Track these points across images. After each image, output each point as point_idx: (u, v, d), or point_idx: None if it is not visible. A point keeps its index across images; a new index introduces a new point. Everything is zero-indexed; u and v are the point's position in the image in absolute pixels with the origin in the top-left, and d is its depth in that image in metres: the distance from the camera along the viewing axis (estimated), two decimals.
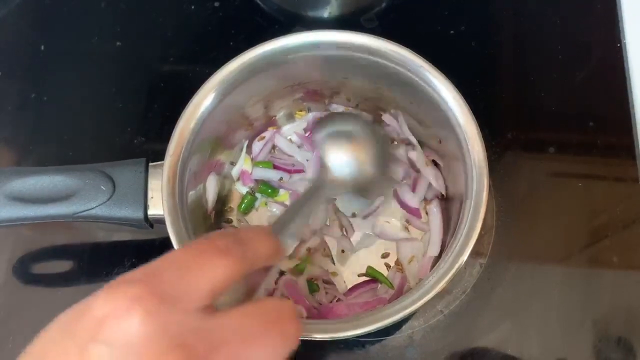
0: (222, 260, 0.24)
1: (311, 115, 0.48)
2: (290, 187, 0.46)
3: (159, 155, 0.39)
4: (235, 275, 0.24)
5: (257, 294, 0.28)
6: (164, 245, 0.37)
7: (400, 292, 0.42)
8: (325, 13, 0.55)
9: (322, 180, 0.37)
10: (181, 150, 0.38)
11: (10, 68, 0.55)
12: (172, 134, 0.39)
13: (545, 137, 0.50)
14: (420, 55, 0.39)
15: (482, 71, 0.52)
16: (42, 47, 0.55)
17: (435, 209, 0.44)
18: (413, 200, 0.45)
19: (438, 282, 0.35)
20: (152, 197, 0.38)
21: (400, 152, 0.46)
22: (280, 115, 0.47)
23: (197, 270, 0.23)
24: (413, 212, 0.45)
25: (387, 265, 0.44)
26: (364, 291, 0.43)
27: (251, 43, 0.41)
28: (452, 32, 0.53)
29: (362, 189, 0.39)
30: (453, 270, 0.35)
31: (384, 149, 0.40)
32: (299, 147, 0.48)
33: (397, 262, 0.44)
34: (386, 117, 0.46)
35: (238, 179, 0.47)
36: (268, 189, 0.46)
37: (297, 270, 0.43)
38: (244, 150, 0.47)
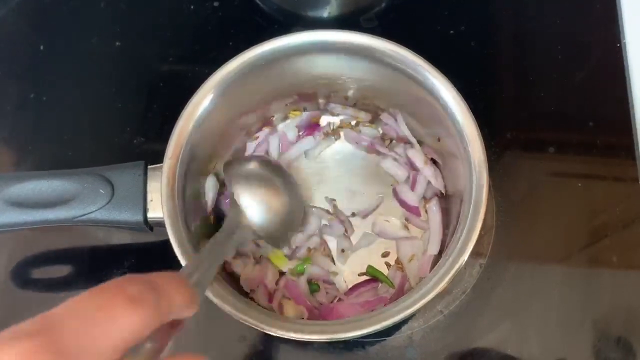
0: (133, 311, 0.21)
1: (305, 115, 0.48)
2: None
3: (159, 156, 0.39)
4: (147, 328, 0.21)
5: (163, 352, 0.25)
6: (163, 247, 0.37)
7: (401, 291, 0.43)
8: (325, 13, 0.55)
9: (237, 224, 0.37)
10: (180, 152, 0.38)
11: (10, 68, 0.55)
12: (171, 135, 0.39)
13: (545, 137, 0.49)
14: (420, 55, 0.39)
15: (481, 71, 0.52)
16: (42, 47, 0.55)
17: (434, 207, 0.44)
18: (412, 199, 0.45)
19: (439, 282, 0.35)
20: (151, 200, 0.38)
21: (399, 150, 0.46)
22: (277, 115, 0.47)
23: (104, 321, 0.20)
24: (412, 210, 0.45)
25: (388, 264, 0.44)
26: (365, 290, 0.43)
27: (251, 43, 0.41)
28: (452, 32, 0.53)
29: (274, 238, 0.40)
30: (453, 270, 0.35)
31: (296, 198, 0.41)
32: (292, 144, 0.48)
33: (397, 261, 0.44)
34: (384, 116, 0.46)
35: None
36: None
37: (297, 271, 0.43)
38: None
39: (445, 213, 0.44)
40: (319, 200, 0.46)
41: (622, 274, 0.45)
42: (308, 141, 0.48)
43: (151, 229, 0.39)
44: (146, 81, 0.53)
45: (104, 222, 0.38)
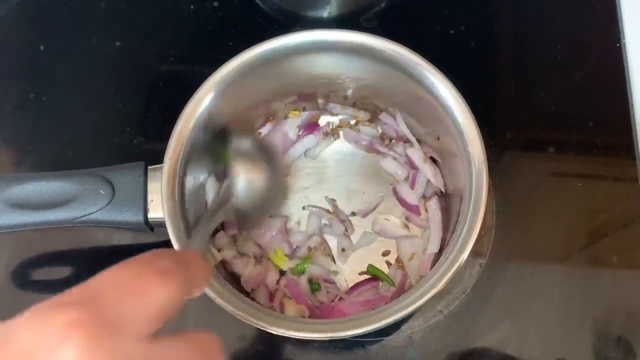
0: (166, 283, 0.22)
1: (305, 114, 0.48)
2: None
3: (159, 155, 0.39)
4: (179, 300, 0.22)
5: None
6: (164, 247, 0.37)
7: (401, 289, 0.43)
8: (325, 13, 0.55)
9: (229, 196, 0.38)
10: (180, 152, 0.39)
11: (10, 68, 0.55)
12: (171, 135, 0.39)
13: (545, 136, 0.50)
14: (420, 54, 0.40)
15: (481, 71, 0.52)
16: (42, 47, 0.55)
17: (434, 206, 0.44)
18: (412, 197, 0.45)
19: (439, 281, 0.35)
20: (151, 201, 0.38)
21: (399, 150, 0.46)
22: (276, 114, 0.47)
23: (141, 293, 0.21)
24: (412, 209, 0.45)
25: (388, 263, 0.44)
26: (366, 289, 0.44)
27: (250, 43, 0.41)
28: (451, 32, 0.53)
29: (255, 210, 0.41)
30: (454, 269, 0.35)
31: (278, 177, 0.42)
32: (293, 143, 0.48)
33: (398, 260, 0.44)
34: (383, 116, 0.46)
35: None
36: None
37: (298, 270, 0.43)
38: None
39: (445, 212, 0.44)
40: (319, 200, 0.46)
41: (622, 274, 0.45)
42: (309, 140, 0.47)
43: (152, 229, 0.39)
44: (146, 81, 0.53)
45: (105, 222, 0.38)
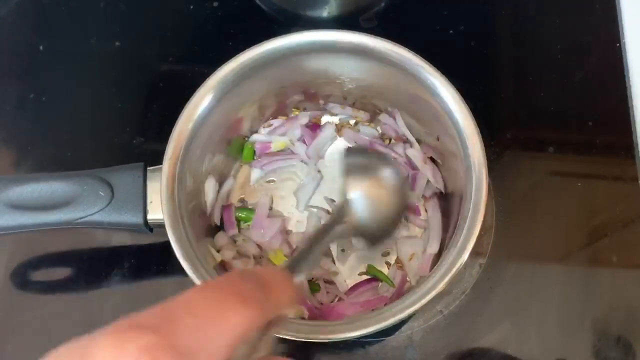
0: (245, 310, 0.21)
1: (309, 114, 0.47)
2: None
3: (158, 155, 0.39)
4: (257, 325, 0.22)
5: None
6: (163, 248, 0.37)
7: (401, 290, 0.43)
8: (324, 13, 0.55)
9: (342, 218, 0.35)
10: (179, 153, 0.38)
11: (9, 68, 0.55)
12: (170, 136, 0.39)
13: (545, 136, 0.49)
14: (420, 55, 0.40)
15: (481, 71, 0.52)
16: (41, 47, 0.55)
17: (434, 206, 0.44)
18: (412, 198, 0.45)
19: (439, 281, 0.35)
20: (151, 202, 0.38)
21: (399, 150, 0.46)
22: (274, 113, 0.47)
23: (218, 320, 0.20)
24: (412, 209, 0.45)
25: (388, 264, 0.44)
26: (365, 290, 0.43)
27: (250, 43, 0.41)
28: (451, 31, 0.53)
29: (373, 239, 0.38)
30: (454, 269, 0.35)
31: (405, 205, 0.39)
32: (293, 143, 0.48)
33: (398, 260, 0.44)
34: (383, 116, 0.46)
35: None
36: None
37: None
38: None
39: (445, 212, 0.44)
40: (318, 200, 0.46)
41: (621, 274, 0.45)
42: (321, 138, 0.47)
43: (151, 230, 0.39)
44: (146, 81, 0.53)
45: (104, 224, 0.38)
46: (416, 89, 0.40)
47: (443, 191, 0.44)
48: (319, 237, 0.34)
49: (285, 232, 0.45)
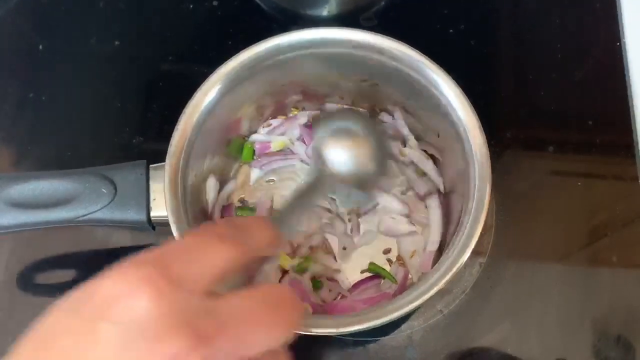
0: (224, 247, 0.25)
1: (307, 113, 0.48)
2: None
3: (158, 155, 0.39)
4: (236, 260, 0.25)
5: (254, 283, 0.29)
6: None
7: (403, 286, 0.43)
8: (324, 12, 0.55)
9: (321, 174, 0.38)
10: (182, 150, 0.38)
11: (9, 68, 0.55)
12: (173, 133, 0.39)
13: (545, 136, 0.49)
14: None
15: (481, 70, 0.52)
16: (41, 47, 0.55)
17: (434, 203, 0.44)
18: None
19: (441, 278, 0.35)
20: (154, 199, 0.38)
21: (398, 147, 0.46)
22: (273, 113, 0.47)
23: (201, 255, 0.24)
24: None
25: (389, 261, 0.44)
26: (368, 287, 0.43)
27: (250, 42, 0.41)
28: (451, 30, 0.53)
29: (361, 183, 0.39)
30: (456, 267, 0.35)
31: (382, 144, 0.40)
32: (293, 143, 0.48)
33: (399, 257, 0.44)
34: (382, 115, 0.46)
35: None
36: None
37: (301, 269, 0.43)
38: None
39: (445, 208, 0.44)
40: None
41: (621, 273, 0.45)
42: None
43: (154, 228, 0.39)
44: (145, 81, 0.53)
45: (107, 221, 0.38)
46: (417, 86, 0.40)
47: (443, 189, 0.44)
48: (302, 194, 0.36)
49: None
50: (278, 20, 0.54)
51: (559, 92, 0.51)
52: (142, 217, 0.38)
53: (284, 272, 0.44)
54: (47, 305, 0.22)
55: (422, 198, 0.45)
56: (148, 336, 0.21)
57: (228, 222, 0.28)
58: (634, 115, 0.49)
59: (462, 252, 0.35)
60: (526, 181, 0.48)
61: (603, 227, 0.46)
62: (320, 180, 0.38)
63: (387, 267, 0.44)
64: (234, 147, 0.46)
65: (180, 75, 0.52)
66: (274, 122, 0.47)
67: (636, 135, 0.48)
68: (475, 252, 0.44)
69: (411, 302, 0.34)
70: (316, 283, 0.43)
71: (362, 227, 0.45)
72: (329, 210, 0.46)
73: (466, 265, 0.44)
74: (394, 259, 0.44)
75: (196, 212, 0.40)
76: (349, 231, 0.45)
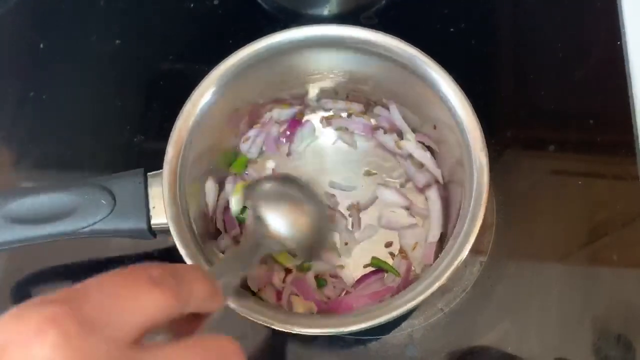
0: (155, 293, 0.21)
1: (290, 111, 0.48)
2: None
3: (159, 154, 0.39)
4: (168, 312, 0.21)
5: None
6: (165, 255, 0.36)
7: (407, 279, 0.43)
8: (325, 11, 0.55)
9: (260, 236, 0.37)
10: (179, 155, 0.39)
11: (9, 67, 0.55)
12: (169, 139, 0.39)
13: (545, 135, 0.49)
14: None
15: (481, 69, 0.52)
16: (41, 46, 0.55)
17: (433, 195, 0.44)
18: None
19: (446, 270, 0.35)
20: (153, 207, 0.38)
21: (394, 139, 0.46)
22: (271, 112, 0.47)
23: (127, 298, 0.20)
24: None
25: (392, 254, 0.45)
26: (372, 281, 0.44)
27: (250, 41, 0.41)
28: (452, 29, 0.53)
29: (299, 247, 0.39)
30: (458, 260, 0.35)
31: (323, 214, 0.41)
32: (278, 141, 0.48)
33: (401, 250, 0.44)
34: (377, 109, 0.47)
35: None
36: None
37: (304, 268, 0.43)
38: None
39: (445, 199, 0.44)
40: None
41: (622, 272, 0.45)
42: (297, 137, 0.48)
43: (154, 235, 0.39)
44: (146, 80, 0.53)
45: (108, 232, 0.38)
46: (414, 80, 0.40)
47: (441, 180, 0.44)
48: (242, 254, 0.35)
49: None
50: (279, 20, 0.54)
51: (559, 92, 0.51)
52: (143, 225, 0.38)
53: (287, 271, 0.44)
54: None
55: (421, 190, 0.45)
56: None
57: (165, 267, 0.23)
58: (634, 115, 0.49)
59: (466, 240, 0.35)
60: (527, 180, 0.48)
61: (603, 226, 0.46)
62: (259, 240, 0.37)
63: (390, 261, 0.44)
64: (224, 160, 0.46)
65: (180, 75, 0.52)
66: (251, 134, 0.47)
67: (637, 134, 0.48)
68: (476, 251, 0.44)
69: (413, 299, 0.34)
70: (320, 281, 0.43)
71: (362, 222, 0.45)
72: (329, 207, 0.46)
73: (467, 264, 0.44)
74: (396, 252, 0.45)
75: (197, 217, 0.40)
76: (349, 227, 0.45)
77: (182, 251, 0.36)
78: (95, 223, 0.37)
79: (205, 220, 0.42)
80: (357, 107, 0.48)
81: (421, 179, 0.45)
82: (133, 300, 0.20)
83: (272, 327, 0.35)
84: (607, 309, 0.44)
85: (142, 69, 0.54)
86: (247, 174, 0.47)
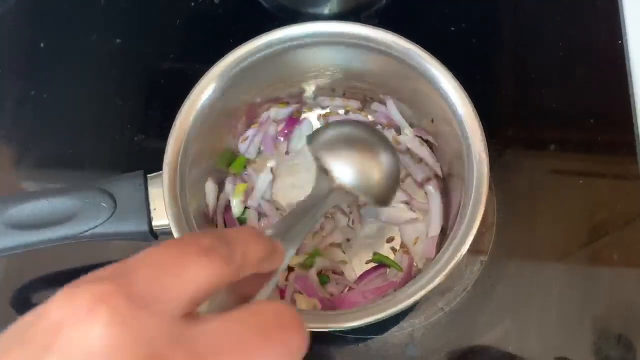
0: (206, 262, 0.20)
1: (287, 110, 0.48)
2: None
3: (160, 153, 0.39)
4: (221, 280, 0.21)
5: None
6: None
7: (409, 274, 0.43)
8: (325, 10, 0.55)
9: (325, 189, 0.35)
10: (179, 156, 0.38)
11: (10, 65, 0.55)
12: (168, 139, 0.39)
13: (546, 134, 0.49)
14: None
15: (482, 68, 0.52)
16: (42, 45, 0.55)
17: (433, 189, 0.45)
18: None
19: (448, 262, 0.35)
20: (154, 209, 0.38)
21: (392, 135, 0.46)
22: (269, 111, 0.47)
23: (176, 270, 0.20)
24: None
25: (393, 249, 0.45)
26: (374, 277, 0.44)
27: None
28: (452, 28, 0.53)
29: (370, 195, 0.36)
30: (458, 255, 0.35)
31: (393, 155, 0.38)
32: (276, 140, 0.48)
33: (403, 245, 0.44)
34: (374, 105, 0.47)
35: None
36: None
37: (306, 265, 0.44)
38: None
39: (445, 192, 0.44)
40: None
41: (622, 272, 0.45)
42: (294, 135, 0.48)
43: (156, 237, 0.39)
44: (146, 78, 0.53)
45: (109, 235, 0.38)
46: (411, 75, 0.40)
47: (440, 174, 0.44)
48: (307, 208, 0.33)
49: None
50: (279, 19, 0.54)
51: (560, 91, 0.51)
52: (144, 227, 0.38)
53: (290, 269, 0.44)
54: None
55: (421, 184, 0.45)
56: None
57: (214, 233, 0.22)
58: (635, 114, 0.49)
59: (466, 235, 0.35)
60: (527, 180, 0.48)
61: (604, 226, 0.46)
62: (325, 193, 0.34)
63: (392, 256, 0.44)
64: (223, 160, 0.46)
65: (181, 74, 0.52)
66: (249, 133, 0.47)
67: (637, 134, 0.48)
68: (477, 251, 0.44)
69: (417, 292, 0.34)
70: (322, 278, 0.43)
71: (363, 218, 0.45)
72: None
73: (467, 263, 0.44)
74: (397, 247, 0.45)
75: (197, 218, 0.40)
76: (350, 223, 0.45)
77: None
78: (96, 226, 0.37)
79: (205, 221, 0.42)
80: (354, 103, 0.48)
81: (420, 173, 0.45)
82: (181, 273, 0.20)
83: None
84: (608, 308, 0.44)
85: (142, 68, 0.54)
86: (246, 174, 0.47)
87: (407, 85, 0.42)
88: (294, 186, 0.47)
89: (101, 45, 0.55)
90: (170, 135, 0.39)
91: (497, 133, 0.48)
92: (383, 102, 0.46)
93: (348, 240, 0.45)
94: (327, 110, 0.48)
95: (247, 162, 0.47)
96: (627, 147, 0.48)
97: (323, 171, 0.35)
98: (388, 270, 0.44)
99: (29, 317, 0.19)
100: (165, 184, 0.38)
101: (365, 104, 0.47)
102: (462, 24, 0.53)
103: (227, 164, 0.46)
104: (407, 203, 0.45)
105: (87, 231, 0.37)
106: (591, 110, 0.50)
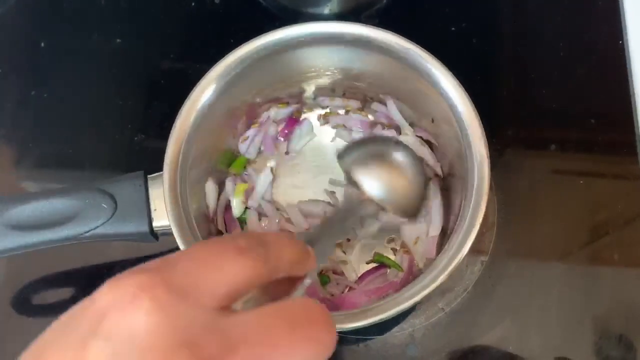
0: (242, 260, 0.22)
1: (287, 110, 0.48)
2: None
3: (160, 153, 0.39)
4: (255, 278, 0.22)
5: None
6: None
7: (409, 274, 0.43)
8: (326, 10, 0.54)
9: (355, 201, 0.36)
10: (179, 156, 0.38)
11: (10, 65, 0.55)
12: (169, 140, 0.39)
13: (547, 134, 0.49)
14: None
15: (483, 68, 0.52)
16: (42, 44, 0.55)
17: (433, 189, 0.44)
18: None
19: (451, 262, 0.35)
20: (155, 209, 0.38)
21: (392, 135, 0.46)
22: (269, 111, 0.47)
23: (214, 266, 0.21)
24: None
25: (394, 250, 0.45)
26: (375, 277, 0.44)
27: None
28: (453, 28, 0.53)
29: (397, 207, 0.37)
30: (459, 256, 0.35)
31: (416, 168, 0.38)
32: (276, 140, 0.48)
33: (403, 245, 0.44)
34: (374, 105, 0.47)
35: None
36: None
37: None
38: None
39: (445, 192, 0.44)
40: (319, 193, 0.46)
41: (623, 272, 0.45)
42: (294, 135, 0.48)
43: (157, 238, 0.39)
44: (147, 78, 0.53)
45: (110, 236, 0.38)
46: (411, 75, 0.40)
47: (441, 174, 0.44)
48: (336, 220, 0.34)
49: (287, 229, 0.45)
50: (280, 19, 0.54)
51: (560, 91, 0.51)
52: (145, 228, 0.38)
53: None
54: (44, 327, 0.21)
55: None
56: (142, 356, 0.18)
57: (252, 235, 0.24)
58: (636, 114, 0.49)
59: (468, 235, 0.35)
60: (528, 180, 0.48)
61: (605, 226, 0.46)
62: (354, 205, 0.35)
63: (392, 256, 0.44)
64: (223, 160, 0.46)
65: (181, 73, 0.52)
66: (250, 133, 0.47)
67: (638, 134, 0.48)
68: (477, 251, 0.44)
69: (418, 293, 0.34)
70: (323, 278, 0.43)
71: (364, 219, 0.45)
72: (330, 204, 0.46)
73: (468, 263, 0.44)
74: (398, 247, 0.45)
75: (198, 219, 0.40)
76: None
77: None
78: (96, 227, 0.37)
79: (206, 222, 0.42)
80: (354, 103, 0.48)
81: None
82: (219, 269, 0.21)
83: None
84: (608, 308, 0.44)
85: (142, 68, 0.54)
86: (246, 174, 0.47)
87: (407, 85, 0.42)
88: (294, 186, 0.47)
89: (101, 45, 0.55)
90: (170, 135, 0.39)
91: (497, 133, 0.48)
92: (383, 102, 0.46)
93: (349, 240, 0.45)
94: (327, 110, 0.48)
95: (248, 162, 0.47)
96: (628, 147, 0.48)
97: (353, 184, 0.36)
98: (389, 270, 0.44)
99: (79, 305, 0.20)
100: (166, 185, 0.38)
101: (365, 104, 0.47)
102: (462, 24, 0.53)
103: (228, 164, 0.47)
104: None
105: (87, 232, 0.37)
106: (591, 110, 0.50)
